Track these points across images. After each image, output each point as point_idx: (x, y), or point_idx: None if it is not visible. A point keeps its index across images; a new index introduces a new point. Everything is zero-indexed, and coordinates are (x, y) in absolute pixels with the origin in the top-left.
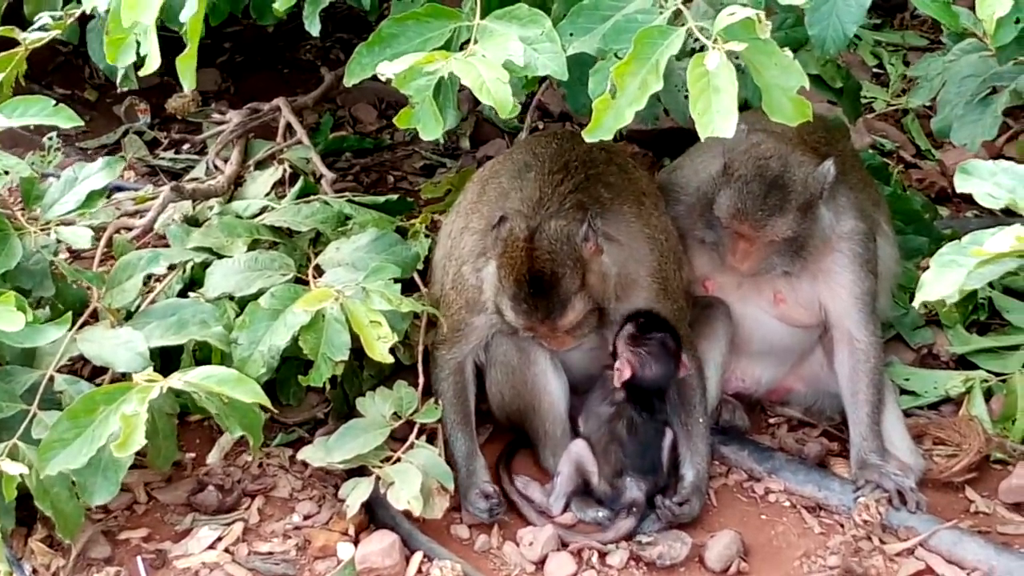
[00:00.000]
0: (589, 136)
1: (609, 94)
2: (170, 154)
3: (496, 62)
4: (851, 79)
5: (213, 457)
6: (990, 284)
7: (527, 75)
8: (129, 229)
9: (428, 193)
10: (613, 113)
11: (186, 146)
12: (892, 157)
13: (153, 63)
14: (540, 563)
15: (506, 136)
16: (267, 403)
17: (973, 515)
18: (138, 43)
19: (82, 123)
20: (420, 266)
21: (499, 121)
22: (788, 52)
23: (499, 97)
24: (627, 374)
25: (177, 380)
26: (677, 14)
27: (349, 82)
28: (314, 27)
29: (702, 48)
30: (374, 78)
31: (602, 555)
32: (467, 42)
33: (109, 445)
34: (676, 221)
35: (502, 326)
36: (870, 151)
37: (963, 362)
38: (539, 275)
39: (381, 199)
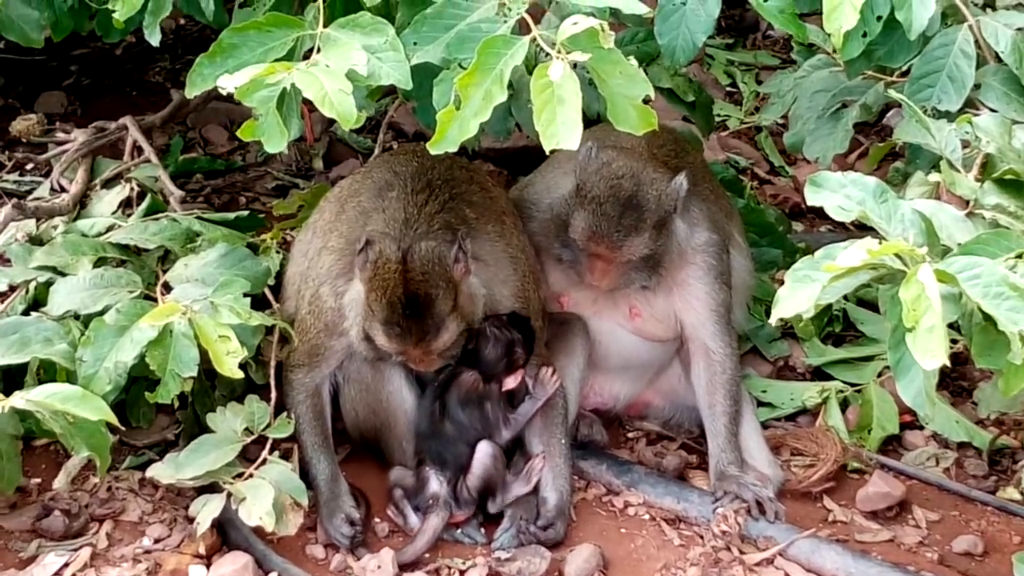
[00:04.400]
0: (434, 148)
1: (453, 105)
2: (14, 176)
3: (339, 72)
4: (703, 93)
5: (60, 482)
6: (844, 296)
7: (371, 84)
8: None
9: (280, 210)
10: (458, 124)
11: (30, 167)
12: (746, 174)
13: None
14: None
15: (360, 157)
16: (113, 420)
17: (831, 524)
18: None
19: None
20: (272, 281)
21: (353, 141)
22: (633, 61)
23: (342, 109)
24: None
25: (19, 399)
26: (523, 24)
27: (190, 93)
28: (154, 37)
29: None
30: (225, 98)
31: (461, 572)
32: (311, 51)
33: None
34: (531, 238)
35: (366, 350)
36: (723, 165)
37: (819, 373)
38: (413, 297)
39: (231, 215)
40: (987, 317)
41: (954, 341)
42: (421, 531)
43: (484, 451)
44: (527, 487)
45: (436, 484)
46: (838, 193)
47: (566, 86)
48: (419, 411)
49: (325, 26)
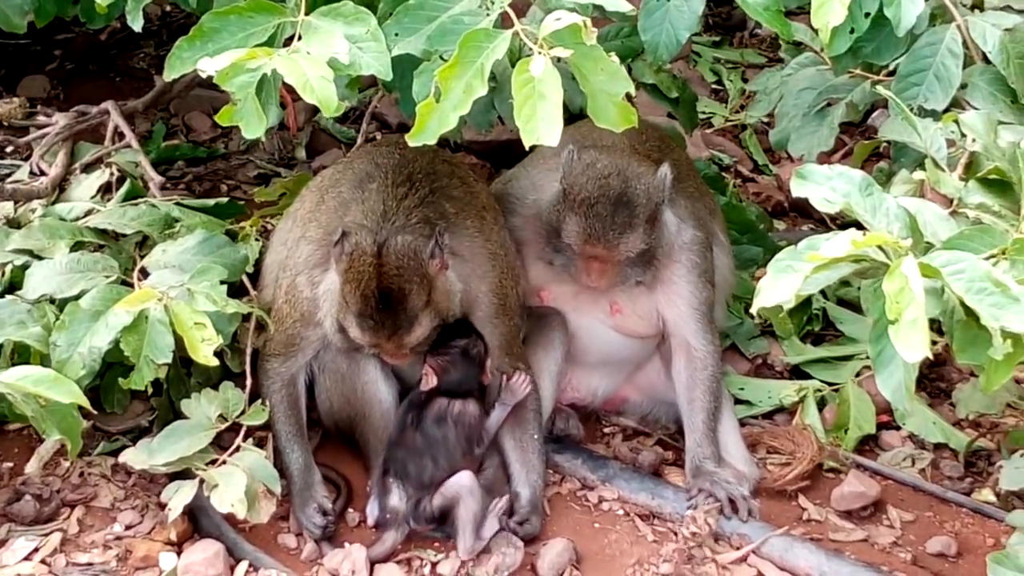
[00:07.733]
0: (413, 140)
1: (433, 97)
2: None
3: (320, 59)
4: (687, 89)
5: (32, 466)
6: (824, 295)
7: (351, 74)
8: None
9: (261, 197)
10: (437, 117)
11: (9, 150)
12: (730, 172)
13: None
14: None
15: (343, 147)
16: (85, 403)
17: (806, 523)
18: None
19: None
20: (250, 269)
21: (336, 131)
22: (614, 58)
23: (323, 95)
24: (433, 381)
25: None
26: (506, 18)
27: (169, 76)
28: (137, 23)
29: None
30: (209, 85)
31: (433, 564)
32: (291, 38)
33: None
34: (513, 232)
35: (340, 341)
36: (706, 162)
37: (797, 372)
38: (387, 291)
39: (210, 202)
40: (968, 312)
41: (933, 342)
42: (380, 540)
43: (462, 483)
44: (497, 526)
45: (397, 498)
46: (823, 185)
47: (547, 82)
48: (393, 418)
49: (307, 14)
